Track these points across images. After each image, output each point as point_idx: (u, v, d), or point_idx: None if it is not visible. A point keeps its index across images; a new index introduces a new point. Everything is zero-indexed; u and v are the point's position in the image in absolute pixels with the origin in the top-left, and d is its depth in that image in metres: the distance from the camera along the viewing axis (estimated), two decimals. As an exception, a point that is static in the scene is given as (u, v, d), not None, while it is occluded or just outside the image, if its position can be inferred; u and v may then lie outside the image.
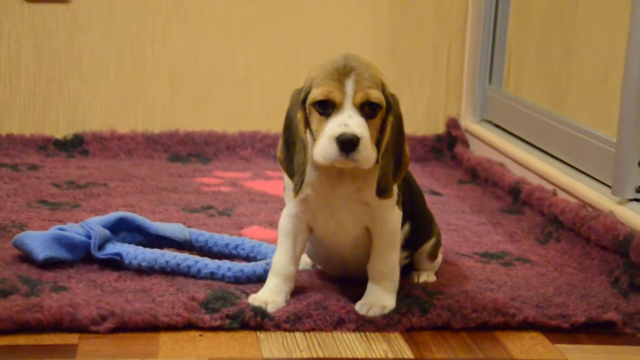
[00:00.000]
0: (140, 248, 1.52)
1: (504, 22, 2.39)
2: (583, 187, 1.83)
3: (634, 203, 1.68)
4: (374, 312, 1.40)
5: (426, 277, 1.55)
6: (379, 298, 1.42)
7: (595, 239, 1.64)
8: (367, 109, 1.33)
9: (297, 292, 1.45)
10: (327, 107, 1.33)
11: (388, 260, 1.42)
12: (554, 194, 1.90)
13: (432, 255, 1.56)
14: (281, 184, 1.51)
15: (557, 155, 2.04)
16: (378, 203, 1.39)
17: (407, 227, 1.47)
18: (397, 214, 1.42)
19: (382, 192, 1.36)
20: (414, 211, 1.49)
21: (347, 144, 1.30)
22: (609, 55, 2.02)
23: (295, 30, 2.44)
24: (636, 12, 1.64)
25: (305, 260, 1.57)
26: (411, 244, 1.51)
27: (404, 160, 1.39)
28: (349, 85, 1.32)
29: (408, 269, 1.56)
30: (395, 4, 2.46)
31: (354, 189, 1.38)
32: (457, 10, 2.48)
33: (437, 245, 1.56)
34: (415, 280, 1.54)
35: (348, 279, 1.51)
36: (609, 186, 1.74)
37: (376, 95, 1.33)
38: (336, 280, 1.52)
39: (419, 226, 1.51)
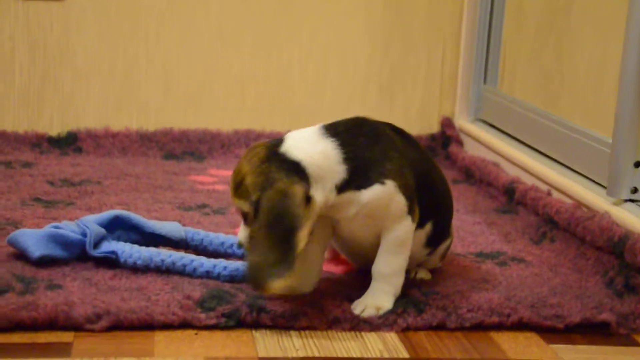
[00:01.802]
0: (136, 246, 1.52)
1: (499, 21, 2.40)
2: (578, 187, 1.84)
3: (629, 204, 1.69)
4: (369, 312, 1.40)
5: (423, 274, 1.56)
6: (376, 299, 1.42)
7: (590, 239, 1.65)
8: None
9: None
10: None
11: (391, 264, 1.42)
12: (549, 194, 1.90)
13: (444, 256, 1.58)
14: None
15: (552, 156, 2.05)
16: (384, 217, 1.39)
17: (429, 226, 1.48)
18: (406, 224, 1.41)
19: (255, 286, 1.33)
20: (439, 210, 1.50)
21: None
22: (602, 56, 2.02)
23: (289, 29, 2.44)
24: (633, 12, 1.65)
25: None
26: (433, 242, 1.52)
27: (294, 243, 1.30)
28: None
29: None
30: (390, 2, 2.46)
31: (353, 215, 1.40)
32: (452, 10, 2.48)
33: (449, 246, 1.59)
34: (412, 276, 1.55)
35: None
36: (604, 187, 1.74)
37: (242, 208, 1.37)
38: (333, 280, 1.52)
39: (443, 225, 1.53)
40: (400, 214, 1.40)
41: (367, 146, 1.39)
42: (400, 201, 1.39)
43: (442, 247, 1.56)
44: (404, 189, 1.39)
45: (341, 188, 1.37)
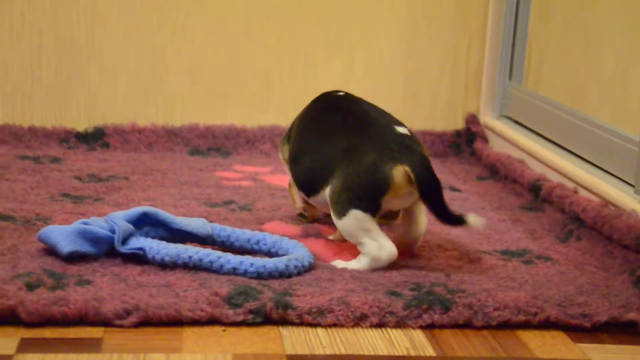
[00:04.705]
0: (163, 243, 1.53)
1: (524, 17, 2.39)
2: (605, 185, 1.83)
3: (656, 202, 1.68)
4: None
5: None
6: None
7: (617, 237, 1.64)
8: None
9: (319, 286, 1.46)
10: None
11: None
12: (575, 192, 1.90)
13: (334, 204, 1.58)
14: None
15: (578, 153, 2.04)
16: None
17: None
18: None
19: None
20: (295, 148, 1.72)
21: None
22: (630, 51, 2.01)
23: (315, 24, 2.44)
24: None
25: None
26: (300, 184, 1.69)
27: None
28: None
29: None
30: (416, -2, 2.46)
31: None
32: (478, 5, 2.48)
33: (339, 195, 1.56)
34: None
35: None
36: (632, 185, 1.74)
37: None
38: (359, 277, 1.52)
39: (300, 166, 1.68)
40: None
41: None
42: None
43: (325, 194, 1.59)
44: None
45: None
